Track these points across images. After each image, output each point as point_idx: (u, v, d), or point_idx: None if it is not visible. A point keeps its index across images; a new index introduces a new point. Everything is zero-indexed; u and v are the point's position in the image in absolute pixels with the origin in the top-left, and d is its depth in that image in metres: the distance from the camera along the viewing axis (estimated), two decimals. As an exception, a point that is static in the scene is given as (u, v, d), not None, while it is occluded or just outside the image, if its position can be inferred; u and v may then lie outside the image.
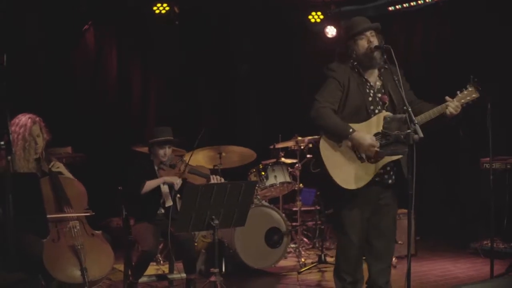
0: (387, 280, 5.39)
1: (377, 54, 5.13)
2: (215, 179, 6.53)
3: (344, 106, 5.15)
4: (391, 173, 5.19)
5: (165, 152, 6.55)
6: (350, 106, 5.14)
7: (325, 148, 5.13)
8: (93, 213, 5.83)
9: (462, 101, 5.11)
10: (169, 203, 6.50)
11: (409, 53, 10.42)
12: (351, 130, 4.98)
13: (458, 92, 5.13)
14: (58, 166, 5.92)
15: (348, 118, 5.09)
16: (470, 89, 5.14)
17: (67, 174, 5.97)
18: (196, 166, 6.84)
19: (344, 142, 5.08)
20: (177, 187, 6.39)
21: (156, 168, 6.61)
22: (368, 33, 5.19)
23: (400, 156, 5.06)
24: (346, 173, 5.06)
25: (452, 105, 5.06)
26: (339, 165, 5.07)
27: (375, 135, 5.04)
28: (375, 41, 5.16)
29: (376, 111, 5.14)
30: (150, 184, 6.41)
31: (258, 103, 11.62)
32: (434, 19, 10.29)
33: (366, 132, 5.04)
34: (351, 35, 5.22)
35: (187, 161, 6.45)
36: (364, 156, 5.06)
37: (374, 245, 5.33)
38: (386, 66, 5.21)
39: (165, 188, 6.56)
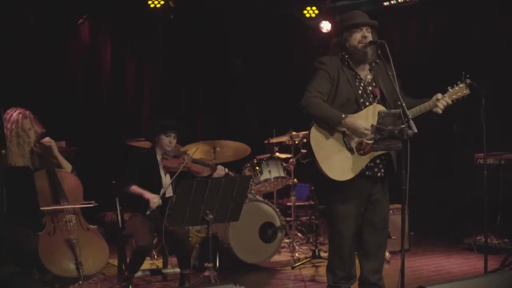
0: (379, 277, 5.42)
1: (369, 49, 5.18)
2: (221, 170, 6.54)
3: (334, 98, 5.21)
4: (381, 166, 5.23)
5: (171, 141, 6.50)
6: (340, 98, 5.20)
7: (315, 138, 5.18)
8: (96, 204, 5.86)
9: (454, 97, 5.15)
10: (169, 193, 6.47)
11: (404, 48, 10.40)
12: (343, 115, 5.04)
13: (449, 88, 5.17)
14: (49, 140, 5.88)
15: (338, 110, 5.14)
16: (461, 86, 5.18)
17: (55, 151, 5.91)
18: (200, 158, 6.84)
19: (336, 133, 5.13)
20: (153, 206, 6.30)
21: (159, 158, 6.57)
22: (364, 28, 5.23)
23: None
24: (336, 164, 5.11)
25: (443, 102, 5.11)
26: (329, 155, 5.12)
27: None
28: (369, 37, 5.21)
29: (367, 103, 5.20)
30: (133, 189, 6.39)
31: (252, 98, 11.60)
32: (430, 15, 10.28)
33: None
34: (348, 26, 5.28)
35: (190, 155, 6.42)
36: (354, 147, 5.11)
37: (367, 240, 5.38)
38: (378, 61, 5.26)
39: (167, 179, 6.55)
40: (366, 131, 5.00)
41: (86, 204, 5.83)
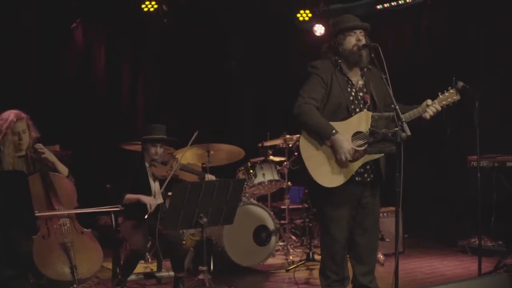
0: (371, 279, 5.43)
1: (363, 52, 5.17)
2: (209, 178, 6.53)
3: (326, 103, 5.17)
4: (370, 171, 5.24)
5: (157, 151, 6.48)
6: (331, 104, 5.16)
7: (305, 146, 5.16)
8: (122, 208, 5.97)
9: (443, 103, 5.17)
10: (160, 200, 6.47)
11: (397, 52, 10.41)
12: (334, 131, 5.01)
13: (439, 93, 5.17)
14: (42, 147, 5.86)
15: (329, 115, 5.13)
16: (451, 91, 5.18)
17: (51, 156, 5.90)
18: (188, 164, 6.83)
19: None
20: (151, 208, 6.23)
21: (147, 165, 6.57)
22: (358, 31, 5.22)
23: (381, 155, 5.11)
24: (325, 171, 5.09)
25: (433, 109, 5.13)
26: (318, 163, 5.11)
27: (355, 134, 5.09)
28: (363, 40, 5.20)
29: (357, 110, 5.18)
30: (129, 198, 6.35)
31: (246, 101, 11.61)
32: (423, 18, 10.29)
33: (346, 131, 5.08)
34: (341, 29, 5.26)
35: (178, 160, 6.41)
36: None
37: (358, 243, 5.39)
38: (370, 67, 5.26)
39: (156, 186, 6.55)
40: (348, 155, 5.00)
41: (112, 208, 5.87)
